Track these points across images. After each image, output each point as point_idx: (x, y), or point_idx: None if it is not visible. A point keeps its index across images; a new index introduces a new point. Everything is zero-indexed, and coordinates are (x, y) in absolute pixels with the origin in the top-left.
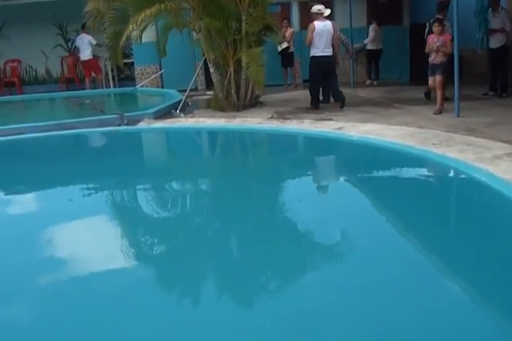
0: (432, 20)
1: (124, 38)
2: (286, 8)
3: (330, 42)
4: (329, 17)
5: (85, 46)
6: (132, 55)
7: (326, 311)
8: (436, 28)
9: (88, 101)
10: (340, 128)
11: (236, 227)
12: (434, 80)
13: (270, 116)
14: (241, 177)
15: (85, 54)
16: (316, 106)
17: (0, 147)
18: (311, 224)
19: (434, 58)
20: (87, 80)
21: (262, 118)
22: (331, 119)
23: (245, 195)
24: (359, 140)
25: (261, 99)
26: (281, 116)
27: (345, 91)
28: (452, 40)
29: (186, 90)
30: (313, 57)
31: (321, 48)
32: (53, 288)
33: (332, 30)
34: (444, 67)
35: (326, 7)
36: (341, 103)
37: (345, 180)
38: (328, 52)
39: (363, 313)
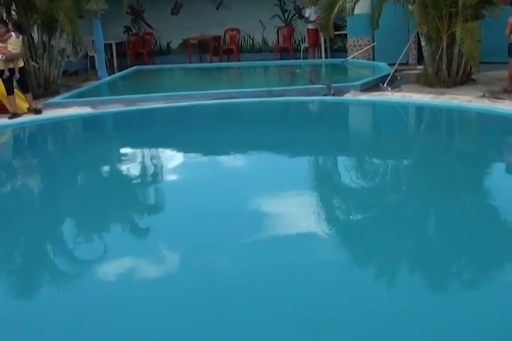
0: None
1: (336, 10)
2: None
3: None
4: None
5: (312, 17)
6: (346, 26)
7: None
8: None
9: (298, 70)
10: None
11: (434, 213)
12: None
13: (482, 94)
14: (445, 158)
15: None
16: None
17: (216, 109)
18: None
19: None
20: (310, 50)
21: (472, 96)
22: None
23: (452, 177)
24: None
25: (473, 77)
26: (494, 95)
27: None
28: None
29: (396, 63)
30: None
31: None
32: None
33: None
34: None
35: None
36: None
37: None
38: None
39: None
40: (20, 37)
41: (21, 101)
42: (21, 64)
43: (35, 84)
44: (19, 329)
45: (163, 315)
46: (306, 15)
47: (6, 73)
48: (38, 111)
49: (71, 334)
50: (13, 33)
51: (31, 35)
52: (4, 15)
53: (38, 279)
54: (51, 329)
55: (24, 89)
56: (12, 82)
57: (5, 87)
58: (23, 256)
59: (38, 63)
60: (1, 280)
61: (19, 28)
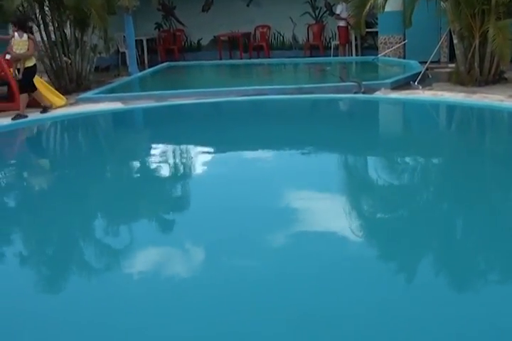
0: None
1: (367, 7)
2: None
3: None
4: None
5: (343, 14)
6: (377, 24)
7: None
8: None
9: (328, 68)
10: None
11: (466, 215)
12: None
13: None
14: (478, 158)
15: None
16: None
17: (245, 106)
18: None
19: None
20: (340, 47)
21: (504, 95)
22: None
23: (485, 177)
24: None
25: (505, 76)
26: None
27: None
28: None
29: (427, 62)
30: None
31: None
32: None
33: None
34: None
35: None
36: None
37: None
38: None
39: None
40: (25, 36)
41: (54, 96)
42: (29, 64)
43: (68, 80)
44: (46, 321)
45: (184, 308)
46: (337, 11)
47: (14, 73)
48: (22, 117)
49: (95, 327)
50: (16, 33)
51: (63, 31)
52: (37, 11)
53: (64, 271)
54: (75, 321)
55: (22, 89)
56: (24, 81)
57: (18, 86)
58: (52, 244)
59: (70, 59)
60: (29, 271)
61: (22, 27)
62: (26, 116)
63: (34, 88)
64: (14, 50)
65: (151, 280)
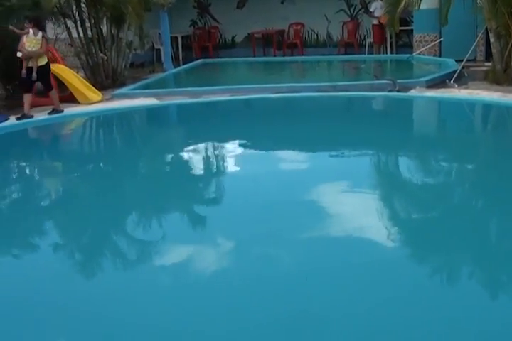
0: None
1: (402, 4)
2: None
3: None
4: None
5: (377, 12)
6: (412, 22)
7: None
8: None
9: (363, 65)
10: None
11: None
12: None
13: None
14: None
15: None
16: None
17: (279, 103)
18: None
19: None
20: (375, 45)
21: None
22: None
23: None
24: None
25: None
26: None
27: None
28: None
29: (463, 60)
30: None
31: None
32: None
33: None
34: None
35: None
36: None
37: None
38: None
39: None
40: (40, 34)
41: (90, 91)
42: (42, 62)
43: (103, 76)
44: (83, 310)
45: (213, 303)
46: (371, 9)
47: (23, 71)
48: (58, 111)
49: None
50: (30, 30)
51: (100, 28)
52: (74, 7)
53: (95, 262)
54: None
55: (47, 88)
56: (30, 81)
57: (20, 85)
58: (84, 238)
59: (106, 55)
60: (62, 262)
61: (37, 25)
62: (62, 111)
63: (30, 90)
64: (26, 47)
65: (183, 275)
